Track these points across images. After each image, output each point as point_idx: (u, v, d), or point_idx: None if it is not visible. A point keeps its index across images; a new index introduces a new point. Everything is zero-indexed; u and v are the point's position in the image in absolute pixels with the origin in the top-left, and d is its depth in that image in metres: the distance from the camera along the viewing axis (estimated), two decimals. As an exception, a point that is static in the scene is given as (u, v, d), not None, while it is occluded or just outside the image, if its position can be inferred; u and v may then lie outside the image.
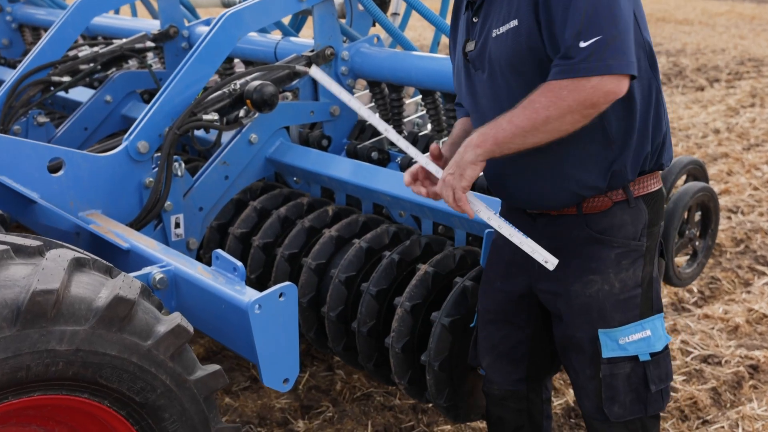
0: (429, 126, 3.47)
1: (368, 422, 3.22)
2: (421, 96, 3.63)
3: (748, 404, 3.33)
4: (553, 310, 2.22)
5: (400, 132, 3.49)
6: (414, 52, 3.44)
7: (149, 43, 4.12)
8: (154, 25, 4.33)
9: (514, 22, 1.95)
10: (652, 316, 2.15)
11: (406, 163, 3.19)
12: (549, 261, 2.01)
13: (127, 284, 1.82)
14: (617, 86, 1.86)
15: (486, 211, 2.06)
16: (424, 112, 3.70)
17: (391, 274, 2.72)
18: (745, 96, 9.64)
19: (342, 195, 3.25)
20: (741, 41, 14.03)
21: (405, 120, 3.54)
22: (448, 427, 3.20)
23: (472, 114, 2.23)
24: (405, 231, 2.92)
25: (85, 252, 1.99)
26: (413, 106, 3.79)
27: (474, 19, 2.12)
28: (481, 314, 2.41)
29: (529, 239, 2.04)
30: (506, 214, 2.27)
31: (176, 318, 1.89)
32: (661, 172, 2.18)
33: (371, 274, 2.76)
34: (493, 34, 2.02)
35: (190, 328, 1.91)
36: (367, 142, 3.41)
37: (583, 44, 1.82)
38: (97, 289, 1.78)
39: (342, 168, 3.15)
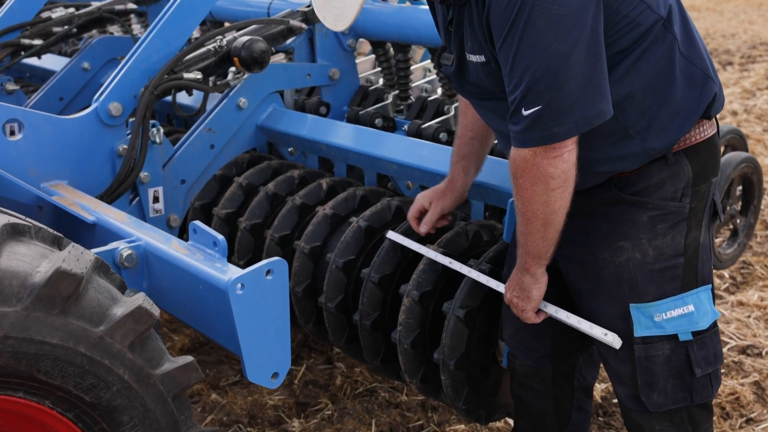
0: (439, 90, 3.12)
1: (372, 421, 2.88)
2: (429, 61, 3.28)
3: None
4: (578, 282, 1.94)
5: (406, 98, 3.14)
6: (422, 6, 3.07)
7: (131, 5, 3.76)
8: (137, -12, 3.97)
9: (482, 57, 1.79)
10: (696, 288, 1.87)
11: (414, 129, 2.84)
12: (612, 339, 1.85)
13: (74, 256, 1.47)
14: (564, 154, 1.67)
15: (563, 312, 1.93)
16: (433, 77, 3.35)
17: (395, 257, 2.36)
18: (760, 78, 9.32)
19: (342, 165, 2.89)
20: (751, 26, 13.71)
21: (412, 85, 3.18)
22: (462, 426, 2.85)
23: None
24: (410, 204, 2.54)
25: (29, 219, 1.63)
26: (420, 71, 3.44)
27: (449, 27, 1.90)
28: (506, 281, 2.08)
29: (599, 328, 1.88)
30: None
31: (137, 299, 1.54)
32: (710, 119, 1.86)
33: (372, 257, 2.40)
34: (468, 58, 1.83)
35: (155, 311, 1.56)
36: (370, 108, 3.06)
37: (525, 112, 1.65)
38: (36, 262, 1.43)
39: (342, 134, 2.79)
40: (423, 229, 2.26)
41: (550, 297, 1.96)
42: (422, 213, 2.28)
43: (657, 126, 1.78)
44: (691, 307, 1.86)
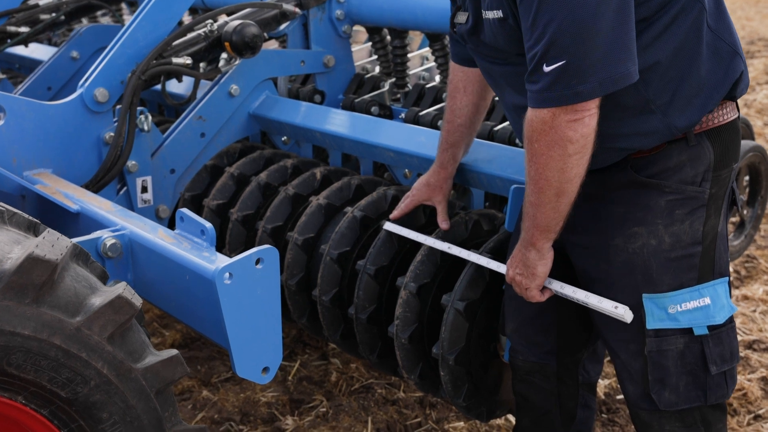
0: (437, 78, 3.03)
1: (368, 418, 2.79)
2: (427, 48, 3.19)
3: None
4: (588, 270, 1.84)
5: (403, 85, 3.04)
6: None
7: (121, -7, 3.66)
8: (128, -25, 3.87)
9: (498, 13, 1.68)
10: (713, 280, 1.76)
11: (412, 117, 2.75)
12: (623, 312, 1.73)
13: (49, 242, 1.38)
14: (585, 117, 1.55)
15: (569, 287, 1.83)
16: (431, 64, 3.26)
17: (392, 248, 2.26)
18: (759, 74, 9.26)
19: (337, 154, 2.80)
20: (748, 22, 13.68)
21: (410, 73, 3.09)
22: (461, 423, 2.76)
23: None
24: (407, 192, 2.44)
25: (2, 204, 1.53)
26: (418, 59, 3.34)
27: None
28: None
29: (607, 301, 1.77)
30: None
31: (117, 288, 1.45)
32: (733, 102, 1.76)
33: (368, 248, 2.30)
34: (484, 15, 1.72)
35: (137, 301, 1.47)
36: (365, 96, 2.96)
37: (546, 68, 1.53)
38: (8, 248, 1.34)
39: (337, 121, 2.70)
40: (445, 225, 2.18)
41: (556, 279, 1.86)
42: (418, 205, 2.24)
43: (680, 101, 1.67)
44: (708, 300, 1.75)
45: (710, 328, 1.75)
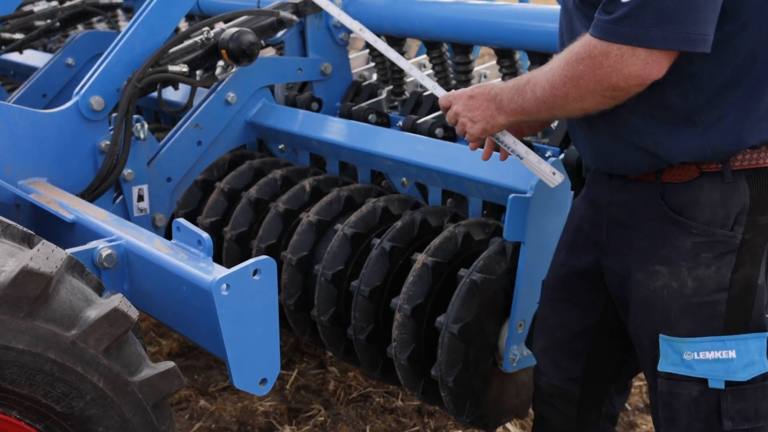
0: (435, 85, 3.01)
1: (366, 427, 2.77)
2: (425, 56, 3.18)
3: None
4: (616, 295, 1.78)
5: (401, 93, 3.03)
6: (417, -1, 2.98)
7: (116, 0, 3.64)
8: (124, -18, 3.86)
9: None
10: (745, 333, 1.63)
11: (409, 125, 2.73)
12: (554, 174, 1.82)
13: (44, 254, 1.36)
14: (645, 68, 1.45)
15: (510, 138, 1.85)
16: (429, 71, 3.24)
17: (384, 267, 2.24)
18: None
19: (334, 162, 2.78)
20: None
21: (407, 81, 3.08)
22: (460, 431, 2.75)
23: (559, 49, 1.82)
24: (397, 202, 2.43)
25: (-3, 215, 1.52)
26: (416, 66, 3.32)
27: None
28: (544, 288, 1.96)
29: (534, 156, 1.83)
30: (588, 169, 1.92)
31: (113, 300, 1.43)
32: None
33: (361, 264, 2.28)
34: None
35: (133, 314, 1.45)
36: (363, 104, 2.95)
37: None
38: (2, 260, 1.32)
39: (335, 129, 2.68)
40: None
41: (608, 312, 1.84)
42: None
43: (727, 121, 1.55)
44: (733, 354, 1.61)
45: (729, 383, 1.62)
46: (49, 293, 1.33)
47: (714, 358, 1.62)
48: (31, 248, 1.45)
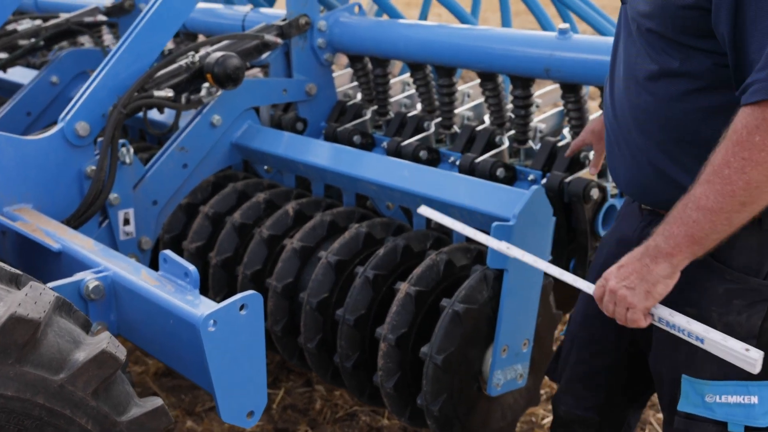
0: (419, 106, 3.04)
1: (352, 447, 2.79)
2: (408, 74, 3.21)
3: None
4: (645, 332, 1.75)
5: (385, 113, 3.06)
6: (400, 20, 3.01)
7: (101, 17, 3.64)
8: (108, -1, 3.86)
9: None
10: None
11: (394, 147, 2.76)
12: (756, 356, 1.46)
13: (32, 299, 1.37)
14: None
15: (680, 317, 1.56)
16: (412, 91, 3.28)
17: (367, 295, 2.26)
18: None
19: (320, 185, 2.80)
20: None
21: (391, 100, 3.10)
22: (445, 451, 2.77)
23: (610, 64, 1.79)
24: (380, 227, 2.45)
25: (-15, 256, 1.53)
26: (399, 85, 3.36)
27: None
28: (572, 324, 1.98)
29: (719, 336, 1.51)
30: (626, 202, 1.89)
31: (101, 342, 1.44)
32: None
33: (346, 291, 2.30)
34: None
35: (121, 354, 1.46)
36: (348, 125, 2.98)
37: None
38: (-9, 306, 1.33)
39: (319, 153, 2.70)
40: (594, 171, 2.21)
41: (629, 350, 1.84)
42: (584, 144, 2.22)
43: None
44: (755, 399, 1.60)
45: (748, 428, 1.61)
46: (38, 338, 1.34)
47: (736, 402, 1.62)
48: (19, 289, 1.45)
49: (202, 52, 2.70)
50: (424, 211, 2.04)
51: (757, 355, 1.45)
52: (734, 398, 1.61)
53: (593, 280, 1.83)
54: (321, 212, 2.56)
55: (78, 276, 1.91)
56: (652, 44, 1.58)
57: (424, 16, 3.89)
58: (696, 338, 1.53)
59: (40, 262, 2.21)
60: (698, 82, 1.55)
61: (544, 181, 2.43)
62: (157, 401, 1.55)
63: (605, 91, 1.81)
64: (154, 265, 2.78)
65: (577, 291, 1.78)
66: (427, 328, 2.12)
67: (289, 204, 2.63)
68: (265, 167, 3.01)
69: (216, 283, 2.67)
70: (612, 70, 1.77)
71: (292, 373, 3.21)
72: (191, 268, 1.81)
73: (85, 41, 4.10)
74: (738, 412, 1.62)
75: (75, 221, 2.43)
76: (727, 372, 1.60)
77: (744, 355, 1.46)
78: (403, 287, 2.16)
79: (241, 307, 1.69)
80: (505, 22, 3.79)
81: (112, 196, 2.54)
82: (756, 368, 1.47)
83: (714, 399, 1.63)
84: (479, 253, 2.27)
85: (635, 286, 1.54)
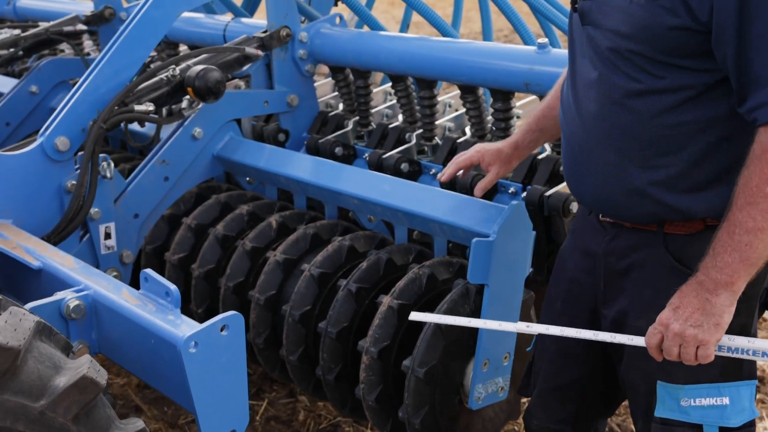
0: (400, 117, 3.06)
1: (336, 457, 2.80)
2: (390, 84, 3.22)
3: (759, 423, 2.97)
4: (613, 344, 1.79)
5: (367, 124, 3.07)
6: (382, 33, 3.02)
7: (81, 26, 3.63)
8: (89, 7, 3.84)
9: None
10: (739, 381, 1.69)
11: (375, 159, 2.77)
12: None
13: (11, 325, 1.37)
14: None
15: (740, 339, 1.58)
16: (394, 101, 3.29)
17: (350, 308, 2.27)
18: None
19: (302, 198, 2.81)
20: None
21: (373, 111, 3.11)
22: (428, 461, 2.79)
23: (568, 80, 1.77)
24: (363, 240, 2.47)
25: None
26: (381, 95, 3.37)
27: None
28: (539, 339, 1.99)
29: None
30: (579, 216, 1.90)
31: (82, 366, 1.44)
32: None
33: (328, 303, 2.31)
34: None
35: (102, 378, 1.46)
36: (330, 136, 2.98)
37: None
38: (-30, 333, 1.33)
39: (301, 166, 2.71)
40: (479, 194, 2.14)
41: (600, 359, 1.87)
42: (471, 166, 2.15)
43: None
44: (726, 400, 1.67)
45: (722, 429, 1.68)
46: (17, 365, 1.34)
47: (709, 404, 1.67)
48: (-2, 314, 1.45)
49: (183, 65, 2.70)
50: (416, 317, 1.92)
51: None
52: (707, 400, 1.66)
53: (560, 293, 1.88)
54: (304, 225, 2.57)
55: (59, 295, 1.90)
56: (631, 63, 1.59)
57: (405, 27, 3.90)
58: (763, 354, 1.55)
59: (19, 279, 2.20)
60: (683, 98, 1.58)
61: (524, 194, 2.45)
62: (138, 424, 1.55)
63: (565, 107, 1.79)
64: (136, 277, 2.79)
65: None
66: (410, 341, 2.13)
67: (273, 216, 2.64)
68: (248, 179, 3.01)
69: (199, 294, 2.68)
70: (573, 87, 1.75)
71: (276, 384, 3.22)
72: (172, 287, 1.82)
73: (65, 48, 4.08)
74: (712, 414, 1.67)
75: (55, 237, 2.42)
76: (699, 376, 1.66)
77: None
78: (386, 300, 2.17)
79: (222, 328, 1.69)
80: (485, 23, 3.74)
81: (93, 210, 2.53)
82: None
83: (689, 402, 1.67)
84: (461, 266, 2.29)
85: (702, 323, 1.54)
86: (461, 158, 2.15)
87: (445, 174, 2.17)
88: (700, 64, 1.54)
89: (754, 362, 1.69)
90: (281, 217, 2.63)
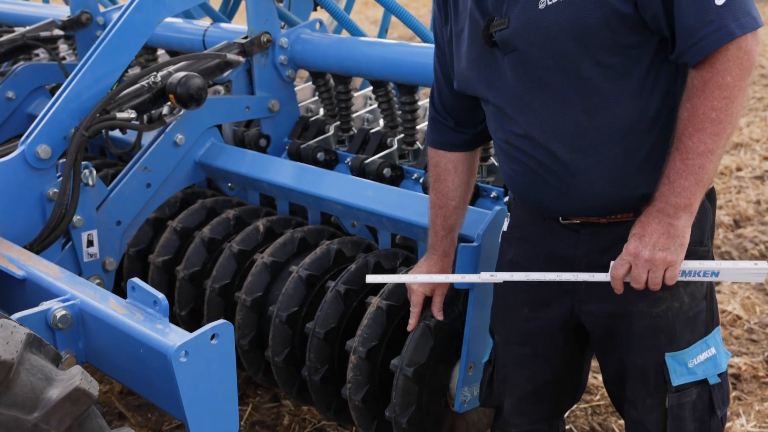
0: (381, 122, 3.08)
1: (321, 461, 2.82)
2: (371, 88, 3.24)
3: (737, 420, 3.04)
4: (607, 335, 1.87)
5: (348, 129, 3.08)
6: (362, 38, 3.04)
7: (57, 32, 3.60)
8: (64, 12, 3.81)
9: None
10: (714, 330, 1.86)
11: (358, 164, 2.79)
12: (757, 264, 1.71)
13: (3, 338, 1.37)
14: (756, 38, 1.57)
15: (692, 263, 1.72)
16: (374, 106, 3.31)
17: (338, 309, 2.30)
18: None
19: (284, 203, 2.82)
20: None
21: (353, 116, 3.13)
22: (413, 463, 2.81)
23: (494, 111, 1.84)
24: (350, 245, 2.50)
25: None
26: (361, 99, 3.39)
27: None
28: (501, 348, 2.02)
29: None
30: (527, 224, 1.92)
31: (74, 378, 1.45)
32: None
33: (316, 306, 2.34)
34: (541, 6, 1.65)
35: (94, 390, 1.47)
36: (311, 142, 3.00)
37: (718, 2, 1.55)
38: (-38, 347, 1.33)
39: (283, 172, 2.73)
40: (441, 316, 2.14)
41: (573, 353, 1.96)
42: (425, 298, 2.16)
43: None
44: (713, 350, 1.83)
45: (720, 375, 1.84)
46: (10, 378, 1.34)
47: (705, 358, 1.83)
48: (-12, 327, 1.45)
49: (164, 71, 2.70)
50: (371, 279, 2.04)
51: (765, 264, 1.69)
52: (703, 355, 1.83)
53: (526, 301, 1.92)
54: (292, 229, 2.58)
55: (45, 305, 1.89)
56: (582, 63, 1.65)
57: (383, 32, 3.92)
58: (712, 274, 1.71)
59: (2, 288, 2.19)
60: (640, 75, 1.66)
61: (506, 199, 2.48)
62: (129, 433, 1.56)
63: (505, 145, 1.84)
64: (117, 284, 2.78)
65: None
66: (397, 342, 2.16)
67: (260, 220, 2.65)
68: (229, 185, 3.01)
69: (183, 296, 2.68)
70: (501, 102, 1.79)
71: (260, 389, 3.22)
72: (160, 296, 1.82)
73: (40, 53, 4.04)
74: (709, 366, 1.83)
75: (38, 245, 2.41)
76: (694, 336, 1.82)
77: (755, 268, 1.71)
78: (375, 301, 2.20)
79: (212, 337, 1.70)
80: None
81: (76, 218, 2.52)
82: (764, 277, 1.70)
83: (694, 363, 1.82)
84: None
85: (668, 246, 1.66)
86: (415, 309, 2.14)
87: (412, 324, 2.15)
88: (642, 39, 1.63)
89: (717, 309, 1.87)
90: (268, 222, 2.65)
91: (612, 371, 1.92)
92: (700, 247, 1.78)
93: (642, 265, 1.68)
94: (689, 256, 1.71)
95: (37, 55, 4.15)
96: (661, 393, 1.83)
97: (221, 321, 1.72)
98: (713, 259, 1.80)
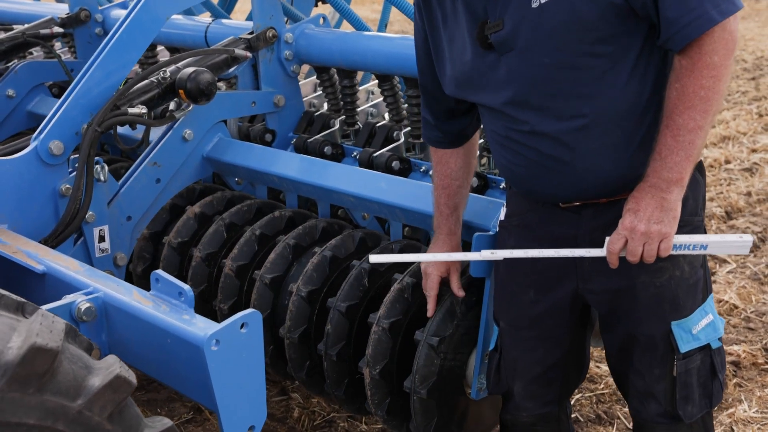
0: (386, 116, 3.11)
1: (332, 452, 2.84)
2: (372, 83, 3.27)
3: (739, 406, 3.11)
4: (611, 310, 1.94)
5: (353, 123, 3.11)
6: (366, 33, 3.07)
7: (57, 29, 3.59)
8: (62, 9, 3.80)
9: None
10: (708, 297, 1.95)
11: (366, 157, 2.82)
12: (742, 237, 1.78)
13: (46, 327, 1.39)
14: (737, 20, 1.65)
15: (681, 237, 1.78)
16: (378, 99, 3.34)
17: (362, 286, 2.34)
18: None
19: (293, 197, 2.85)
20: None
21: (358, 110, 3.16)
22: (423, 452, 2.85)
23: (492, 112, 1.88)
24: (372, 236, 2.54)
25: (-12, 285, 1.53)
26: (363, 94, 3.42)
27: None
28: (508, 334, 2.07)
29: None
30: (525, 211, 1.97)
31: (114, 366, 1.47)
32: None
33: (337, 288, 2.37)
34: (534, 5, 1.69)
35: (133, 378, 1.49)
36: (318, 136, 3.02)
37: None
38: (6, 335, 1.34)
39: (292, 165, 2.75)
40: (462, 293, 2.16)
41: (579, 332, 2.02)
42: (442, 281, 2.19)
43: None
44: (711, 316, 1.92)
45: (720, 339, 1.93)
46: (55, 367, 1.36)
47: (705, 324, 1.92)
48: (25, 317, 1.46)
49: (173, 67, 2.71)
50: (375, 258, 2.07)
51: (749, 237, 1.78)
52: (704, 321, 1.92)
53: (531, 284, 1.97)
54: (315, 219, 2.64)
55: (69, 298, 1.91)
56: (595, 57, 1.71)
57: (383, 26, 3.95)
58: (701, 247, 1.79)
59: (22, 283, 2.19)
60: (634, 58, 1.72)
61: (502, 186, 2.52)
62: (166, 422, 1.58)
63: (504, 140, 1.89)
64: (127, 280, 2.79)
65: None
66: (419, 324, 2.21)
67: (281, 210, 2.71)
68: (237, 179, 3.03)
69: (196, 276, 2.74)
70: (495, 102, 1.83)
71: (268, 382, 3.24)
72: (186, 287, 1.84)
73: (34, 51, 4.03)
74: (710, 331, 1.93)
75: (53, 241, 2.41)
76: (694, 303, 1.91)
77: (740, 241, 1.78)
78: (402, 277, 2.24)
79: (242, 326, 1.73)
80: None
81: (88, 213, 2.53)
82: (748, 249, 1.78)
83: (697, 329, 1.91)
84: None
85: (662, 219, 1.72)
86: (431, 292, 2.17)
87: (431, 309, 2.18)
88: (633, 26, 1.69)
89: (709, 276, 1.96)
90: (291, 212, 2.71)
91: (618, 345, 1.98)
92: (695, 216, 1.87)
93: (638, 239, 1.74)
94: (686, 226, 1.80)
95: (32, 53, 4.14)
96: (669, 361, 1.90)
97: (250, 310, 1.74)
98: (705, 230, 1.90)
